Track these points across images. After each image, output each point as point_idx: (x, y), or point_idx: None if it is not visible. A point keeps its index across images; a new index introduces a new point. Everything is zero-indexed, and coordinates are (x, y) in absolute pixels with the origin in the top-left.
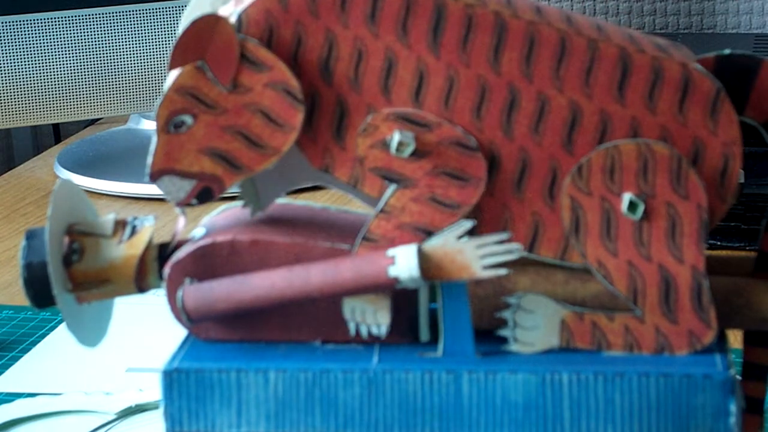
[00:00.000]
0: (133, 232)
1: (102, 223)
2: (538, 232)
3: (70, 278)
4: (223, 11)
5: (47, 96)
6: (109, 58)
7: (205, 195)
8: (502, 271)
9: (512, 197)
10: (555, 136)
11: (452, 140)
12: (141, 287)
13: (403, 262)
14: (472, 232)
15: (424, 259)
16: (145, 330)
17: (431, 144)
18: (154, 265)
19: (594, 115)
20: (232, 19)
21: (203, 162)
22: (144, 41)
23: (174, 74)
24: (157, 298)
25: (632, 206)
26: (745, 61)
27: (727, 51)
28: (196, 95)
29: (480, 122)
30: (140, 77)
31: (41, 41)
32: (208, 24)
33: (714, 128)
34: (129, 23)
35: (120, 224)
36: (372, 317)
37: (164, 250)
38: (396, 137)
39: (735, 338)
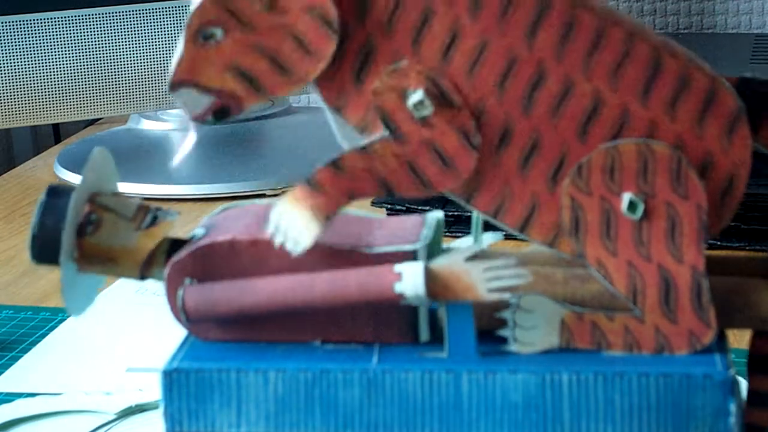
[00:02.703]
0: (153, 222)
1: (126, 203)
2: (533, 214)
3: (79, 247)
4: None
5: (47, 96)
6: (109, 58)
7: (222, 113)
8: (507, 295)
9: (516, 174)
10: (572, 122)
11: (461, 128)
12: (144, 275)
13: (409, 280)
14: (469, 197)
15: (430, 278)
16: (145, 330)
17: (442, 121)
18: (162, 258)
19: (614, 109)
20: None
21: (226, 79)
22: (144, 41)
23: None
24: (156, 298)
25: (632, 206)
26: (764, 88)
27: (749, 74)
28: (231, 9)
29: (502, 93)
30: (140, 77)
31: (41, 41)
32: None
33: (727, 146)
34: (129, 23)
35: (142, 210)
36: (295, 233)
37: (175, 246)
38: (419, 96)
39: (735, 338)
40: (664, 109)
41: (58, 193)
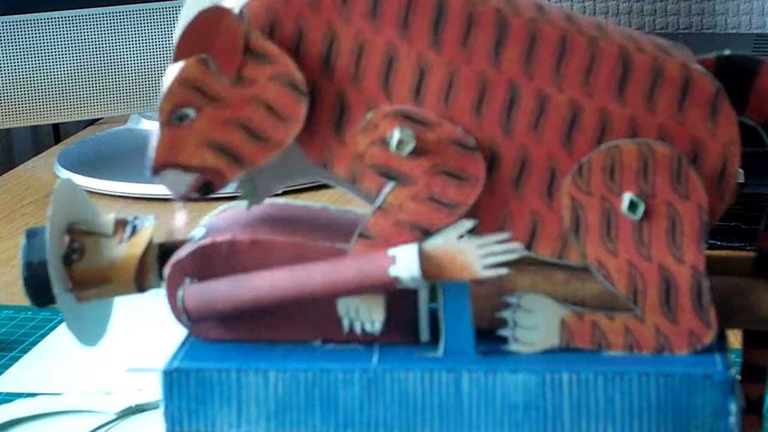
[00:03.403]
0: (134, 231)
1: (103, 223)
2: (537, 231)
3: (70, 277)
4: (226, 4)
5: (47, 96)
6: (109, 58)
7: (207, 188)
8: (503, 271)
9: (511, 195)
10: (554, 135)
11: (452, 139)
12: (141, 287)
13: (403, 262)
14: (470, 231)
15: (424, 258)
16: (145, 330)
17: (431, 143)
18: (155, 265)
19: (593, 114)
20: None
21: (205, 155)
22: (144, 41)
23: (177, 67)
24: (156, 298)
25: (632, 206)
26: (745, 63)
27: (726, 52)
28: (199, 88)
29: (480, 119)
30: (140, 77)
31: (41, 41)
32: (214, 16)
33: (713, 128)
34: (129, 23)
35: (120, 224)
36: (366, 314)
37: (164, 250)
38: (396, 135)
39: (735, 338)
40: (643, 104)
41: (36, 233)
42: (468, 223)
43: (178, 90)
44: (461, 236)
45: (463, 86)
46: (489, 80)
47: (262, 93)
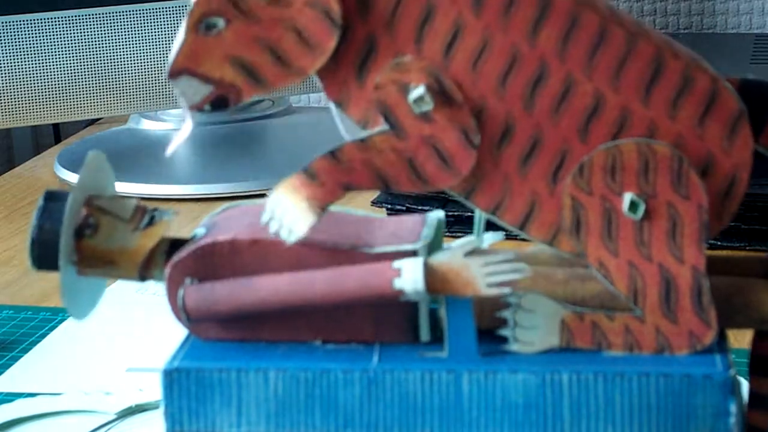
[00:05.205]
0: (151, 222)
1: (123, 205)
2: (533, 212)
3: (78, 251)
4: None
5: (47, 96)
6: (109, 58)
7: (220, 103)
8: (507, 290)
9: (516, 171)
10: (572, 121)
11: (462, 126)
12: (144, 276)
13: (408, 275)
14: (468, 194)
15: (429, 272)
16: (145, 330)
17: (442, 117)
18: (162, 259)
19: (615, 109)
20: None
21: (225, 69)
22: (144, 41)
23: None
24: (156, 298)
25: (633, 206)
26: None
27: (751, 76)
28: (234, 0)
29: (503, 90)
30: (140, 77)
31: (41, 41)
32: None
33: (728, 148)
34: (129, 23)
35: (140, 211)
36: (292, 221)
37: (174, 246)
38: (420, 91)
39: (735, 338)
40: (666, 110)
41: (55, 198)
42: (476, 241)
43: None
44: (467, 253)
45: (495, 54)
46: (521, 54)
47: (296, 16)
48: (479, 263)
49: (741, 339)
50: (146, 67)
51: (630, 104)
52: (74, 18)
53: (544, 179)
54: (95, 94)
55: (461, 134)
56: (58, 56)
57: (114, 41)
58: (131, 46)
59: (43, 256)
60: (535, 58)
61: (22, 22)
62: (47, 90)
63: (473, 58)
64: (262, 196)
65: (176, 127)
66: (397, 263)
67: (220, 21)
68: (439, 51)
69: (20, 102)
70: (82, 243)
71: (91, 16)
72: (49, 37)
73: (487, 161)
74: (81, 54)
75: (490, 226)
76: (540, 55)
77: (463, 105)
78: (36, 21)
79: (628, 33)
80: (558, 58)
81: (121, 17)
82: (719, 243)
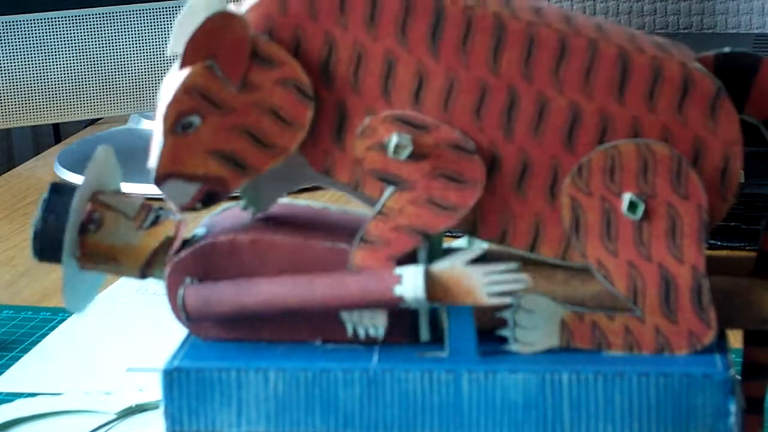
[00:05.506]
0: (156, 221)
1: (128, 202)
2: (540, 232)
3: (80, 245)
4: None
5: (47, 96)
6: (109, 58)
7: (210, 198)
8: (507, 300)
9: (513, 197)
10: (555, 136)
11: (450, 142)
12: (144, 274)
13: (409, 282)
14: (472, 231)
15: (430, 280)
16: (145, 330)
17: (429, 146)
18: (164, 258)
19: (594, 115)
20: None
21: (209, 164)
22: (144, 41)
23: (182, 74)
24: (157, 298)
25: (632, 206)
26: (745, 60)
27: (726, 49)
28: (205, 95)
29: (480, 123)
30: (140, 77)
31: (41, 41)
32: (221, 22)
33: (714, 127)
34: (129, 23)
35: (145, 209)
36: (369, 319)
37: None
38: (393, 139)
39: (735, 338)
40: (643, 104)
41: (61, 191)
42: (477, 249)
43: (183, 98)
44: (469, 262)
45: (463, 91)
46: (488, 85)
47: (268, 98)
48: (481, 272)
49: (741, 339)
50: (146, 67)
51: (607, 107)
52: (74, 18)
53: (543, 197)
54: (95, 94)
55: (456, 150)
56: (58, 56)
57: (114, 41)
58: (131, 46)
59: (46, 249)
60: (502, 86)
61: (22, 22)
62: (47, 90)
63: (443, 100)
64: None
65: None
66: (398, 270)
67: (196, 118)
68: (407, 100)
69: (20, 102)
70: (85, 238)
71: (91, 16)
72: (49, 37)
73: (482, 193)
74: (81, 54)
75: None
76: (507, 82)
77: (439, 124)
78: (36, 21)
79: (588, 39)
80: (525, 81)
81: (121, 17)
82: (719, 243)
